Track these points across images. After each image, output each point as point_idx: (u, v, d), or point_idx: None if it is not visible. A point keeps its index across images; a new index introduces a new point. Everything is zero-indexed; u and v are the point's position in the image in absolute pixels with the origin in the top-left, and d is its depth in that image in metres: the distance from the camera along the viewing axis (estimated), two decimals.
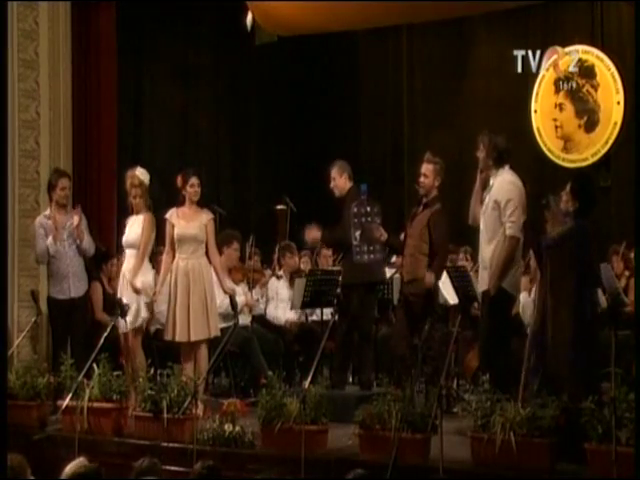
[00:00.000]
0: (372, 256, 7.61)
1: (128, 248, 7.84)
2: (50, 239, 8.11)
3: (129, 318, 7.53)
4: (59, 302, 8.18)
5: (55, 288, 8.21)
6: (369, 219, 7.53)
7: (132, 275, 7.68)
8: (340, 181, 8.01)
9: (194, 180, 7.69)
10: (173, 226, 7.70)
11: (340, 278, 8.12)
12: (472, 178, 7.16)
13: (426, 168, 7.59)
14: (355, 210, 7.54)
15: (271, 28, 10.40)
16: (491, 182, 6.89)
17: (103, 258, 8.94)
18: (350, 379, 8.95)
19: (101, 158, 9.85)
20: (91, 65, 9.77)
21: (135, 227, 7.80)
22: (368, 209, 7.55)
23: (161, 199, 8.60)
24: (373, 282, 7.98)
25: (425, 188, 7.58)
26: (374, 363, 8.50)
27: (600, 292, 7.04)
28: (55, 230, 8.10)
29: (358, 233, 7.51)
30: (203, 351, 7.63)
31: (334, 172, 7.97)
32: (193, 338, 7.59)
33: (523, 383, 6.14)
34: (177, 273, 7.66)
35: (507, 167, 6.87)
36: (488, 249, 6.75)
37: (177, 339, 7.63)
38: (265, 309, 9.56)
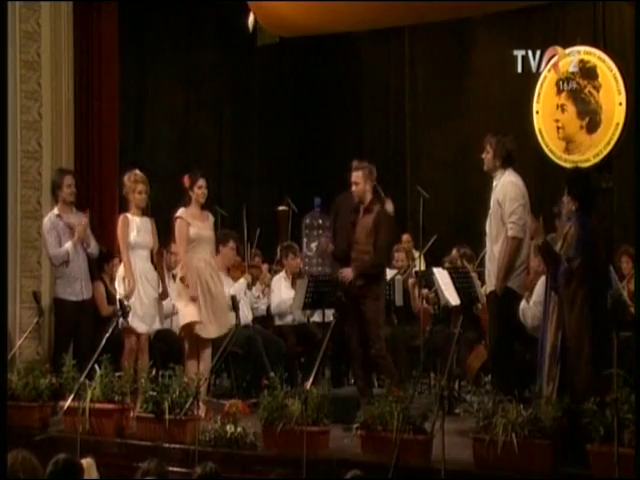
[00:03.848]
0: (320, 267, 7.73)
1: (141, 249, 7.76)
2: (70, 244, 8.11)
3: (145, 322, 7.62)
4: (70, 304, 8.14)
5: (66, 290, 8.17)
6: (321, 231, 7.66)
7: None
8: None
9: (202, 182, 7.72)
10: (188, 225, 7.68)
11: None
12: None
13: (355, 176, 7.64)
14: (307, 222, 7.68)
15: (273, 29, 10.40)
16: (494, 183, 6.90)
17: (105, 258, 8.93)
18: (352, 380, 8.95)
19: (103, 159, 9.86)
20: (93, 66, 9.78)
21: (145, 229, 7.76)
22: (320, 222, 7.69)
23: (162, 199, 8.60)
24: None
25: (359, 194, 7.62)
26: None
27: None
28: (72, 234, 8.12)
29: (312, 245, 7.67)
30: (208, 350, 7.66)
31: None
32: (216, 335, 7.68)
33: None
34: (196, 273, 7.66)
35: (510, 168, 6.88)
36: (494, 250, 6.76)
37: (204, 336, 7.63)
38: (267, 308, 9.57)
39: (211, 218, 7.88)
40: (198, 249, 7.71)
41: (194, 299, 7.59)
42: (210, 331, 7.66)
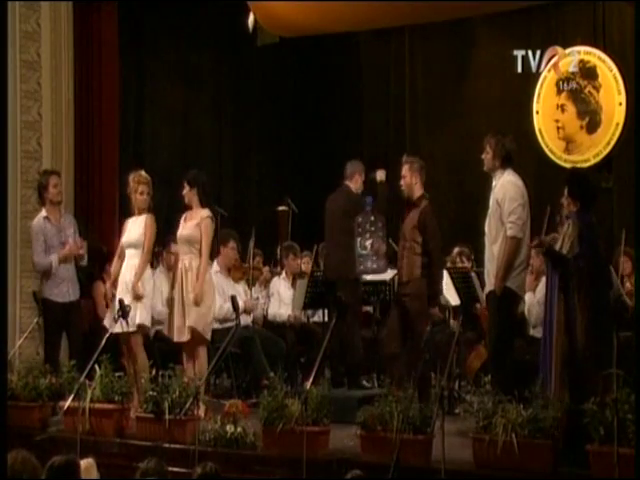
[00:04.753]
0: (375, 266, 7.69)
1: (129, 248, 7.80)
2: (55, 258, 8.07)
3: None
4: (57, 305, 8.11)
5: (53, 291, 8.13)
6: (372, 230, 7.63)
7: (136, 279, 7.64)
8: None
9: (184, 183, 7.80)
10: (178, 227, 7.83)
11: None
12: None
13: (404, 169, 7.62)
14: (360, 220, 7.65)
15: (273, 29, 10.40)
16: (494, 183, 6.91)
17: (105, 259, 8.93)
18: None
19: (103, 159, 9.87)
20: (93, 66, 9.79)
21: (136, 227, 7.79)
22: (373, 219, 7.67)
23: (163, 200, 8.61)
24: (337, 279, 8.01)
25: (406, 189, 7.58)
26: (373, 364, 8.56)
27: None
28: (60, 237, 8.09)
29: (367, 243, 7.62)
30: (202, 352, 7.63)
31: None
32: (187, 337, 7.60)
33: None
34: (176, 273, 7.77)
35: (510, 168, 6.89)
36: (493, 249, 6.76)
37: (175, 339, 7.66)
38: (267, 309, 9.58)
39: (200, 216, 7.69)
40: (180, 250, 7.82)
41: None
42: (179, 335, 7.64)
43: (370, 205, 7.77)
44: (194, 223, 7.70)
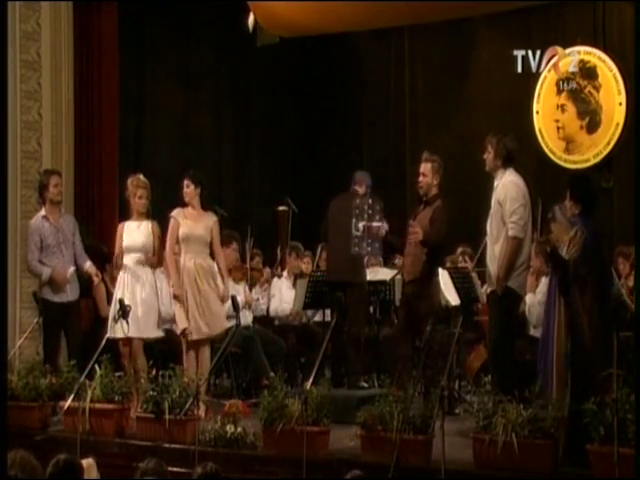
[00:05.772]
0: (369, 249, 7.65)
1: (134, 252, 7.78)
2: (47, 273, 8.01)
3: (135, 325, 7.52)
4: (56, 305, 8.05)
5: (52, 290, 8.13)
6: (370, 212, 7.57)
7: (147, 258, 7.75)
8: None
9: (186, 181, 7.80)
10: (179, 225, 7.75)
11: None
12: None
13: (424, 167, 7.60)
14: (357, 203, 7.60)
15: (273, 29, 10.40)
16: (495, 183, 6.91)
17: (106, 259, 8.92)
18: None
19: (103, 159, 9.86)
20: (93, 66, 9.79)
21: (140, 232, 7.77)
22: (370, 202, 7.61)
23: (162, 201, 8.61)
24: (344, 282, 7.97)
25: (424, 187, 7.58)
26: (373, 364, 8.55)
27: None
28: (59, 236, 8.08)
29: (360, 224, 7.55)
30: (206, 352, 7.65)
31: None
32: (205, 335, 7.65)
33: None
34: (185, 273, 7.71)
35: (511, 168, 6.89)
36: (495, 249, 6.76)
37: (195, 337, 7.63)
38: (267, 308, 9.58)
39: (209, 219, 7.80)
40: (188, 249, 7.74)
41: (177, 297, 7.65)
42: (198, 332, 7.64)
43: (369, 187, 7.73)
44: (205, 225, 7.72)
